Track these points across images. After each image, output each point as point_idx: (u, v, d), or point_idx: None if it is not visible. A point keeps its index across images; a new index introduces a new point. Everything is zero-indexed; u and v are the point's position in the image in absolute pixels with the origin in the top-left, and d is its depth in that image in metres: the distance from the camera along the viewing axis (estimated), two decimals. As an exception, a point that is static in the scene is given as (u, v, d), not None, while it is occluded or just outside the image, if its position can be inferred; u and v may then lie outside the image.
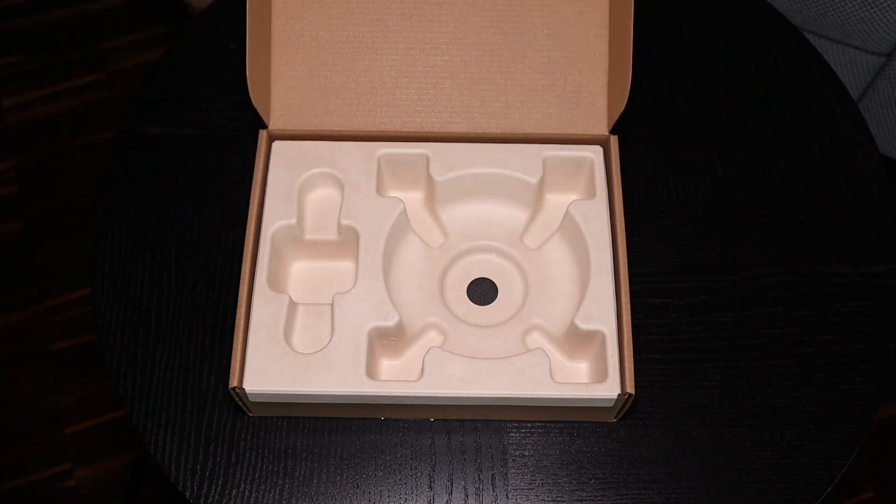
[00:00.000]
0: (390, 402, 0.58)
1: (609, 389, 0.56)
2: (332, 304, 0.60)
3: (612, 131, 0.67)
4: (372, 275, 0.61)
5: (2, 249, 1.37)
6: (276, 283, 0.61)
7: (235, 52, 0.76)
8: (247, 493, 0.59)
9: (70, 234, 1.38)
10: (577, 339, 0.60)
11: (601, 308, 0.59)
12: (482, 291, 0.64)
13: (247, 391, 0.56)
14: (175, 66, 0.76)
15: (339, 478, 0.59)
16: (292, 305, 0.60)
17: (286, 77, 0.67)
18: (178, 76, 0.76)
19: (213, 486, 0.59)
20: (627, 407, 0.58)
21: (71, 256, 1.36)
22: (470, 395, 0.57)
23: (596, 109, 0.67)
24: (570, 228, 0.64)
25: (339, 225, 0.63)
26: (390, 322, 0.59)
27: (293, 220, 0.63)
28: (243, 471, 0.59)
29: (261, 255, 0.61)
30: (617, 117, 0.66)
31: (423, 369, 0.57)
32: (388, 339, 0.60)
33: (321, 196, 0.66)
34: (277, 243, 0.62)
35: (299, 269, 0.65)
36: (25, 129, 1.48)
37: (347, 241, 0.63)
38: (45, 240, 1.38)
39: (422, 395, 0.57)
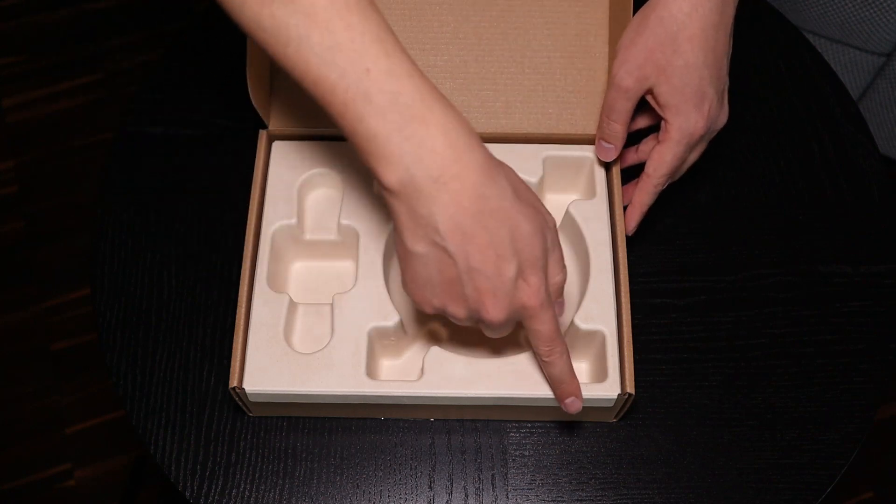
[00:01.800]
0: (390, 402, 0.58)
1: (609, 389, 0.56)
2: (332, 304, 0.60)
3: (612, 131, 0.67)
4: (372, 275, 0.61)
5: (2, 249, 1.37)
6: (276, 283, 0.61)
7: (235, 52, 0.76)
8: (247, 493, 0.59)
9: (70, 234, 1.38)
10: (577, 339, 0.60)
11: (601, 308, 0.59)
12: (482, 291, 0.64)
13: (247, 391, 0.56)
14: (175, 66, 0.76)
15: (339, 478, 0.59)
16: (292, 305, 0.60)
17: (286, 77, 0.67)
18: (178, 76, 0.76)
19: (213, 486, 0.59)
20: (627, 407, 0.58)
21: (71, 256, 1.36)
22: (470, 395, 0.57)
23: (596, 109, 0.67)
24: (570, 228, 0.64)
25: (339, 225, 0.63)
26: (390, 322, 0.59)
27: (293, 220, 0.63)
28: (243, 471, 0.59)
29: (261, 255, 0.61)
30: (617, 117, 0.66)
31: (422, 369, 0.57)
32: (388, 339, 0.60)
33: (321, 196, 0.66)
34: (277, 243, 0.62)
35: (299, 269, 0.65)
36: (25, 129, 1.48)
37: (347, 241, 0.63)
38: (45, 240, 1.38)
39: (422, 394, 0.57)
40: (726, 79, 0.61)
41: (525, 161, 0.65)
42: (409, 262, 0.49)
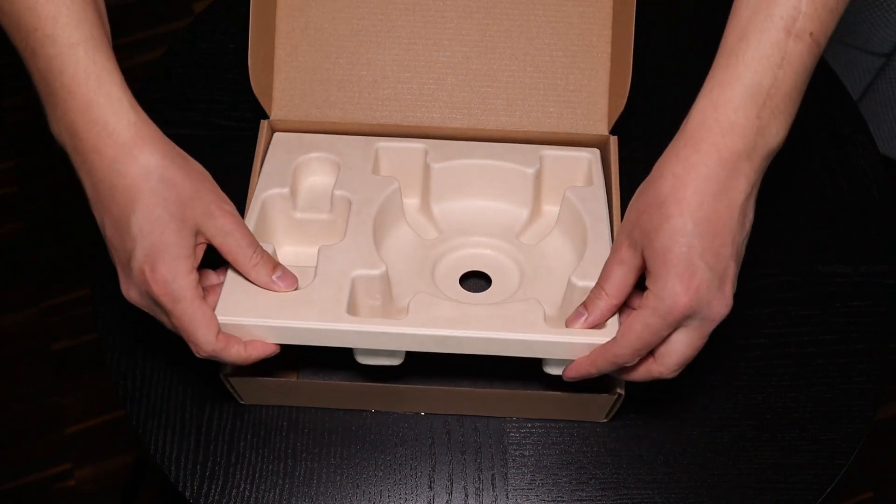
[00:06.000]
0: (371, 346, 0.54)
1: (605, 335, 0.52)
2: (317, 253, 0.57)
3: (612, 131, 0.67)
4: (361, 232, 0.59)
5: (2, 249, 1.37)
6: (262, 237, 0.59)
7: (235, 52, 0.76)
8: (247, 493, 0.59)
9: (70, 234, 1.38)
10: (572, 305, 0.56)
11: (598, 269, 0.55)
12: (475, 283, 0.64)
13: (219, 320, 0.52)
14: (175, 66, 0.76)
15: (339, 478, 0.59)
16: (276, 255, 0.57)
17: (289, 68, 0.67)
18: (178, 76, 0.76)
19: (213, 486, 0.59)
20: (618, 407, 0.58)
21: (71, 256, 1.36)
22: (457, 335, 0.52)
23: (596, 109, 0.67)
24: (567, 213, 0.63)
25: (332, 197, 0.62)
26: (376, 271, 0.56)
27: (285, 190, 0.61)
28: (243, 471, 0.59)
29: (248, 217, 0.59)
30: (617, 117, 0.66)
31: (407, 309, 0.54)
32: (373, 299, 0.58)
33: (317, 182, 0.65)
34: (267, 210, 0.61)
35: (288, 253, 0.64)
36: (25, 129, 1.48)
37: (339, 221, 0.62)
38: (45, 240, 1.38)
39: (406, 333, 0.53)
40: (730, 263, 0.50)
41: (523, 160, 0.65)
42: None
